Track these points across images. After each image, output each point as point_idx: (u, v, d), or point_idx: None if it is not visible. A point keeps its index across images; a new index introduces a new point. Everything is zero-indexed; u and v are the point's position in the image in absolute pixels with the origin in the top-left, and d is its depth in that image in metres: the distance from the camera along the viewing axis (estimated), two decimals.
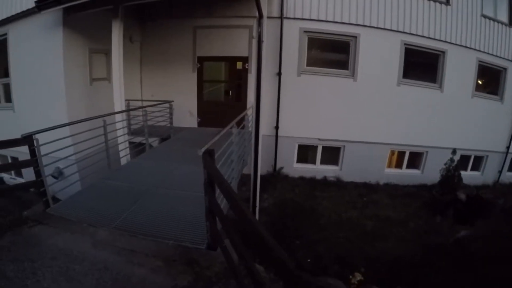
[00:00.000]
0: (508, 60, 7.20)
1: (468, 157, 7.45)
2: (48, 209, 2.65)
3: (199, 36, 6.09)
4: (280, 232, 4.28)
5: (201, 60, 6.17)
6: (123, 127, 4.28)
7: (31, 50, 4.92)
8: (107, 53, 5.67)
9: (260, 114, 4.78)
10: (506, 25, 7.05)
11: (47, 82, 4.88)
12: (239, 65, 6.18)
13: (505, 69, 7.26)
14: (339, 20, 5.81)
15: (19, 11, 4.87)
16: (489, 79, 7.23)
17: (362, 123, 6.25)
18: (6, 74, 5.38)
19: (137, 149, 4.61)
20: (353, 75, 6.05)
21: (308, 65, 6.04)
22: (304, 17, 5.77)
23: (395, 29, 6.04)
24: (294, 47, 5.80)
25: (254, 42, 5.86)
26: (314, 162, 6.58)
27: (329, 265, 3.73)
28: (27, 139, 2.57)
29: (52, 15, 4.48)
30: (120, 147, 4.12)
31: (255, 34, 5.87)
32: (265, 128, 5.80)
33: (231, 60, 6.26)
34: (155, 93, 6.27)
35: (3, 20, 5.06)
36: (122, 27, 4.34)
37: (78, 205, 2.76)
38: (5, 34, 5.15)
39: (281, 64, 5.84)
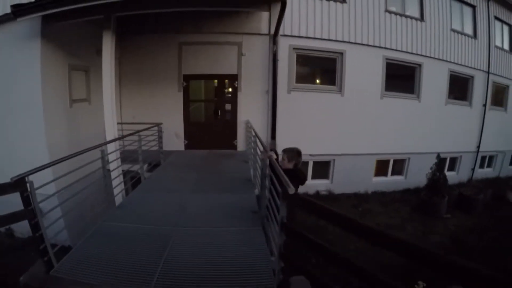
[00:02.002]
0: (474, 68, 8.33)
1: (445, 159, 8.49)
2: (52, 271, 2.16)
3: (185, 53, 6.11)
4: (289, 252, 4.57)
5: (188, 78, 6.19)
6: (117, 158, 4.11)
7: (3, 68, 4.43)
8: (87, 71, 5.55)
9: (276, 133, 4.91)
10: (471, 37, 8.13)
11: (21, 104, 4.41)
12: (228, 83, 6.34)
13: (472, 77, 8.39)
14: (326, 37, 6.27)
15: None
16: (459, 87, 8.28)
17: (349, 136, 6.84)
18: None
19: (131, 181, 4.43)
20: (340, 90, 6.58)
21: (297, 81, 6.43)
22: (293, 34, 6.12)
23: (378, 45, 6.69)
24: (284, 64, 6.13)
25: (244, 59, 6.14)
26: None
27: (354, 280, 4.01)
28: (19, 184, 2.09)
29: (29, 23, 4.12)
30: (115, 180, 3.85)
31: (244, 51, 6.13)
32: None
33: (220, 78, 6.38)
34: (136, 115, 6.12)
35: None
36: (115, 40, 4.18)
37: (90, 260, 2.24)
38: None
39: (271, 82, 6.15)
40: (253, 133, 4.74)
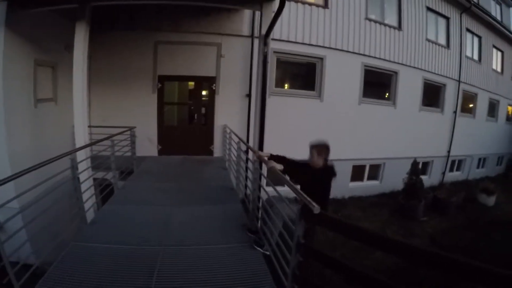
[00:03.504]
0: (447, 77, 9.04)
1: (418, 163, 9.15)
2: None
3: (161, 52, 6.02)
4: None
5: (163, 79, 6.10)
6: (88, 167, 3.89)
7: None
8: (54, 67, 5.27)
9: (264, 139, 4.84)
10: (445, 47, 8.80)
11: None
12: (205, 86, 6.34)
13: (444, 85, 9.10)
14: (307, 42, 6.49)
15: None
16: (432, 94, 8.95)
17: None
18: None
19: (103, 192, 4.11)
20: (319, 96, 6.86)
21: (276, 86, 6.60)
22: (274, 37, 6.25)
23: (357, 51, 7.05)
24: (260, 68, 6.24)
25: (223, 61, 6.18)
26: (282, 184, 7.25)
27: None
28: None
29: None
30: (86, 192, 3.53)
31: (223, 52, 6.17)
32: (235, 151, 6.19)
33: (197, 81, 6.36)
34: (106, 117, 5.94)
35: None
36: (89, 33, 3.96)
37: None
38: None
39: (251, 86, 6.27)
40: (235, 138, 4.68)
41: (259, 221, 3.13)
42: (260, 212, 3.10)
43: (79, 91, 4.02)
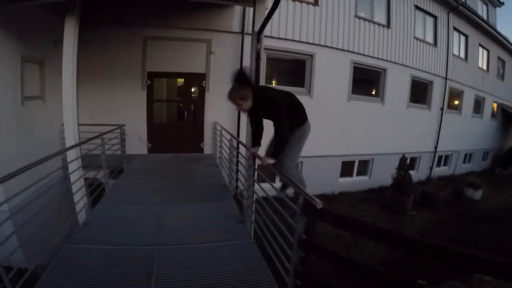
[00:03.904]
0: (434, 74, 9.33)
1: (406, 159, 9.46)
2: None
3: (150, 48, 6.01)
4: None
5: (152, 76, 6.11)
6: (79, 167, 3.85)
7: None
8: (42, 64, 5.18)
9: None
10: (432, 45, 9.06)
11: None
12: (195, 83, 6.39)
13: (431, 82, 9.38)
14: (297, 39, 6.61)
15: None
16: (419, 91, 9.22)
17: (317, 138, 7.23)
18: None
19: (95, 192, 3.92)
20: (309, 92, 7.01)
21: (266, 83, 6.70)
22: (264, 34, 6.33)
23: (346, 48, 7.21)
24: (253, 64, 6.33)
25: (213, 57, 6.24)
26: (273, 180, 7.43)
27: (335, 280, 4.17)
28: None
29: None
30: (77, 194, 3.46)
31: (213, 49, 6.22)
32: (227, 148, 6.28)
33: (187, 77, 6.39)
34: (94, 115, 5.89)
35: None
36: (78, 28, 3.89)
37: None
38: None
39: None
40: (227, 135, 4.70)
41: (253, 216, 3.14)
42: (254, 207, 3.15)
43: (69, 88, 3.95)
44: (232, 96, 2.28)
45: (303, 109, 2.51)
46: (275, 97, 2.35)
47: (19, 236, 2.45)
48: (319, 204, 1.64)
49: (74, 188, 3.43)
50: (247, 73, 2.33)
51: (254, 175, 3.25)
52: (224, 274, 2.21)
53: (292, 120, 2.38)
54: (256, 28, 4.55)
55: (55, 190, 3.12)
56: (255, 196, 3.23)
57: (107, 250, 2.53)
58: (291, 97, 2.48)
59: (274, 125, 2.38)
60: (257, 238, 2.82)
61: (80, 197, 3.58)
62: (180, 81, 6.56)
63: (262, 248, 2.57)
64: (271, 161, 2.45)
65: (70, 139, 4.09)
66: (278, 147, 2.40)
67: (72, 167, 3.61)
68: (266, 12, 4.47)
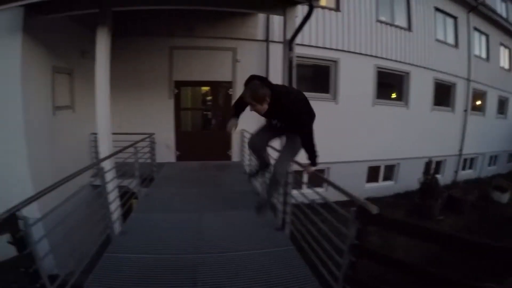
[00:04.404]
0: (456, 76, 9.24)
1: (432, 162, 9.31)
2: None
3: (176, 57, 6.17)
4: None
5: (179, 85, 6.25)
6: (115, 177, 3.86)
7: None
8: (71, 74, 5.36)
9: None
10: (453, 47, 9.02)
11: None
12: (222, 91, 6.49)
13: (454, 84, 9.29)
14: (321, 45, 6.68)
15: None
16: (442, 94, 9.13)
17: (343, 144, 7.30)
18: None
19: (128, 201, 3.93)
20: (334, 98, 7.02)
21: None
22: None
23: (369, 53, 7.23)
24: (279, 72, 6.39)
25: (239, 65, 6.34)
26: (300, 187, 7.37)
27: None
28: (9, 222, 1.65)
29: (9, 15, 3.74)
30: (112, 202, 3.45)
31: (239, 57, 6.33)
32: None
33: (213, 85, 6.51)
34: (122, 124, 6.04)
35: None
36: (110, 38, 4.00)
37: None
38: None
39: None
40: None
41: (290, 223, 3.14)
42: (288, 214, 3.16)
43: (103, 98, 4.06)
44: (248, 94, 2.07)
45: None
46: (302, 110, 2.16)
47: (50, 244, 2.45)
48: (375, 209, 1.68)
49: (110, 197, 3.42)
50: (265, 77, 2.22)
51: (290, 182, 3.26)
52: (269, 282, 2.21)
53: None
54: (288, 37, 4.62)
55: (83, 198, 3.15)
56: (292, 200, 3.25)
57: (147, 258, 2.54)
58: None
59: (302, 140, 2.35)
60: (296, 245, 2.81)
61: (116, 206, 3.56)
62: (206, 89, 6.66)
63: (302, 255, 2.60)
64: (313, 168, 2.50)
65: (104, 148, 4.17)
66: (312, 153, 2.41)
67: (107, 176, 3.54)
68: (296, 20, 4.56)
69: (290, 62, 4.81)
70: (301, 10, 4.78)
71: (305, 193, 3.17)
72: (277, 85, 2.22)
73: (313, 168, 2.50)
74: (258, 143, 2.64)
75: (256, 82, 2.08)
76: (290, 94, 2.21)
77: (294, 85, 6.51)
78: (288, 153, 2.58)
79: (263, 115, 2.25)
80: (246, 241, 2.85)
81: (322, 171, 7.42)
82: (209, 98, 6.73)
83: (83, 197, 3.17)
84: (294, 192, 3.14)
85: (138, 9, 5.17)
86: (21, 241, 1.71)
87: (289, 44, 4.83)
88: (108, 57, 4.06)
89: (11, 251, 1.69)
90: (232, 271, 2.35)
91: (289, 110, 2.10)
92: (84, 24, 5.22)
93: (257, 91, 2.04)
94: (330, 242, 2.37)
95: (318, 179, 2.70)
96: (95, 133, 5.63)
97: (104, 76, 4.02)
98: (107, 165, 3.81)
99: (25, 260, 1.72)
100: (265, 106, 2.11)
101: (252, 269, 2.38)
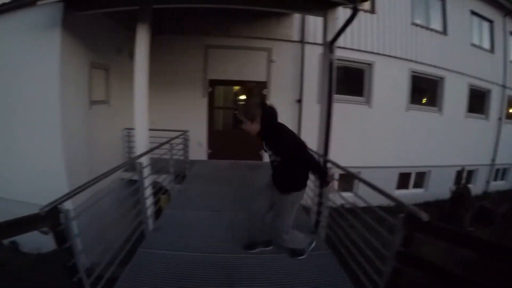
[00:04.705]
0: (491, 82, 8.95)
1: (464, 171, 9.00)
2: None
3: (211, 56, 6.25)
4: None
5: (213, 83, 6.32)
6: (151, 173, 3.89)
7: (10, 60, 4.11)
8: (107, 69, 5.47)
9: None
10: (489, 52, 8.76)
11: (31, 104, 4.13)
12: (256, 91, 6.50)
13: (489, 90, 9.00)
14: (356, 48, 6.61)
15: None
16: (477, 100, 8.85)
17: (375, 149, 7.16)
18: None
19: (162, 196, 4.26)
20: (368, 102, 6.91)
21: None
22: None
23: (404, 57, 7.11)
24: (314, 74, 6.37)
25: (273, 66, 6.34)
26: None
27: None
28: (52, 215, 1.64)
29: (48, 11, 3.82)
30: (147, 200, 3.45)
31: (274, 58, 6.34)
32: None
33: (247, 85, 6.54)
34: (156, 120, 6.12)
35: None
36: (150, 36, 3.99)
37: None
38: None
39: (302, 91, 6.37)
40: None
41: (320, 224, 3.12)
42: (320, 216, 3.14)
43: (141, 95, 4.06)
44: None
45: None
46: (295, 140, 2.17)
47: (83, 238, 2.40)
48: (425, 216, 1.65)
49: (146, 193, 3.42)
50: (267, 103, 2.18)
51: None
52: (302, 285, 2.21)
53: (301, 175, 2.24)
54: (329, 39, 4.60)
55: (114, 192, 3.11)
56: (329, 204, 3.19)
57: (182, 255, 2.54)
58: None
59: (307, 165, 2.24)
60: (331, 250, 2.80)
61: (151, 202, 3.56)
62: (241, 89, 6.69)
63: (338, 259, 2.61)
64: (332, 183, 2.38)
65: (141, 144, 4.12)
66: (321, 172, 2.30)
67: (145, 172, 3.57)
68: (337, 22, 4.53)
69: (331, 64, 4.78)
70: (342, 12, 4.77)
71: (336, 198, 3.04)
72: (281, 123, 2.25)
73: (333, 183, 2.41)
74: (261, 211, 2.42)
75: (254, 101, 2.19)
76: (288, 131, 2.26)
77: (333, 87, 6.54)
78: (278, 221, 2.36)
79: (261, 140, 2.25)
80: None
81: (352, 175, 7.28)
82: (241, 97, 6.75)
83: (114, 192, 3.14)
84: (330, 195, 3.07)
85: (175, 8, 5.30)
86: (61, 234, 1.70)
87: (329, 46, 4.82)
88: (148, 55, 4.08)
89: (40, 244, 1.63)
90: (268, 273, 2.35)
91: (284, 140, 2.14)
92: (120, 21, 5.37)
93: (248, 108, 2.09)
94: (366, 248, 2.36)
95: (360, 182, 2.60)
96: (129, 128, 5.81)
97: (143, 73, 4.04)
98: (144, 160, 3.82)
99: (65, 253, 1.73)
100: (254, 127, 2.10)
101: (286, 272, 2.38)
